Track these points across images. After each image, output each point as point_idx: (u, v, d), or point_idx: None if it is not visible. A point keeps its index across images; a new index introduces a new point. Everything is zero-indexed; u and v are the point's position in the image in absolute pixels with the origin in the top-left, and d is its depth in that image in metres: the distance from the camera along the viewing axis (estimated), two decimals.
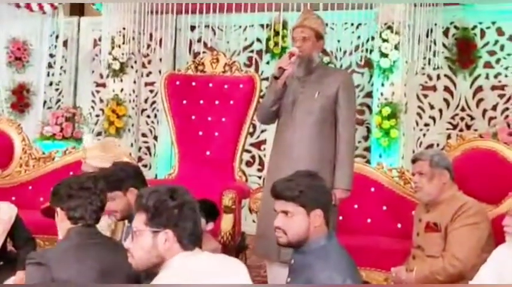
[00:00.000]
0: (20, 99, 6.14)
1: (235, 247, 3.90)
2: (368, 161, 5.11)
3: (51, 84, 6.52)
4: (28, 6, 5.96)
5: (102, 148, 3.40)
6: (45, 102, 6.44)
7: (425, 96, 5.48)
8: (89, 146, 3.44)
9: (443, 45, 5.29)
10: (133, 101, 5.89)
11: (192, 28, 5.73)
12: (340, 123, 3.16)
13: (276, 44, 5.67)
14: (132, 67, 5.84)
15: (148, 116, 6.23)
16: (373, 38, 5.17)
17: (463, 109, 5.40)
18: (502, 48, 5.29)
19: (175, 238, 1.86)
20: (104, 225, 3.12)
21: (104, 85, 6.21)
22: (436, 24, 5.07)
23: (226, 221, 3.80)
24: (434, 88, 5.46)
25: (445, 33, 5.32)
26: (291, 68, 3.11)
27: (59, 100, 6.58)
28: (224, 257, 2.01)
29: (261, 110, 3.37)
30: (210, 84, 4.69)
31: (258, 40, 5.86)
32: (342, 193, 3.11)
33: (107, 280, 2.15)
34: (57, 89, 6.57)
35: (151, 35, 5.72)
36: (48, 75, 6.45)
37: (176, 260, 1.85)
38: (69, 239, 2.24)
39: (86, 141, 3.55)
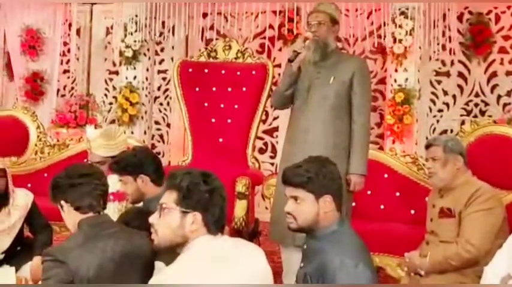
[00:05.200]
0: (34, 88, 6.18)
1: (248, 233, 3.93)
2: (381, 148, 5.11)
3: (64, 72, 6.55)
4: None
5: (104, 137, 3.43)
6: (58, 90, 6.47)
7: (439, 82, 5.45)
8: (92, 137, 3.46)
9: (458, 30, 5.23)
10: (146, 88, 5.91)
11: (204, 15, 5.72)
12: (355, 109, 3.17)
13: (289, 30, 5.65)
14: (144, 55, 5.85)
15: (161, 104, 6.25)
16: (386, 24, 5.13)
17: (477, 95, 5.36)
18: None
19: (203, 221, 1.89)
20: (113, 211, 3.15)
21: (116, 73, 6.24)
22: (450, 10, 5.02)
23: (240, 208, 3.82)
24: (448, 74, 5.43)
25: (459, 18, 5.27)
26: (305, 51, 3.13)
27: (72, 88, 6.61)
28: (243, 242, 2.03)
29: (276, 95, 3.38)
30: (223, 71, 4.69)
31: (271, 27, 5.84)
32: (357, 178, 3.12)
33: (125, 269, 2.14)
34: (70, 77, 6.60)
35: (163, 23, 5.73)
36: (61, 63, 6.48)
37: (198, 243, 1.88)
38: (84, 231, 2.17)
39: (88, 132, 3.57)
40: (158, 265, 2.21)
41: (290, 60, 3.17)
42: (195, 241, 1.88)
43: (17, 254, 3.40)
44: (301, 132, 3.20)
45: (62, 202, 2.24)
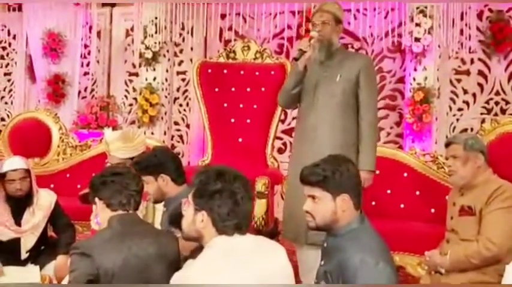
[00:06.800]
0: (56, 90, 6.27)
1: (268, 232, 3.95)
2: (401, 147, 5.09)
3: (85, 74, 6.63)
4: None
5: (122, 139, 3.48)
6: (79, 92, 6.56)
7: (459, 80, 5.40)
8: (110, 139, 3.52)
9: (477, 28, 5.19)
10: (166, 89, 5.96)
11: (223, 16, 5.75)
12: (363, 106, 3.19)
13: (307, 30, 5.65)
14: (164, 56, 5.90)
15: (181, 105, 6.29)
16: (405, 23, 5.11)
17: (497, 93, 5.31)
18: None
19: (210, 221, 1.92)
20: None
21: (136, 74, 6.30)
22: (469, 7, 4.98)
23: (259, 207, 3.85)
24: (467, 72, 5.38)
25: (479, 16, 5.22)
26: (311, 50, 3.16)
27: (93, 90, 6.69)
28: (263, 239, 2.04)
29: (282, 94, 3.40)
30: (242, 72, 4.73)
31: (289, 27, 5.85)
32: (365, 174, 3.11)
33: (151, 268, 2.19)
34: (91, 79, 6.68)
35: (182, 24, 5.77)
36: (82, 65, 6.55)
37: (215, 242, 1.91)
38: (112, 227, 2.25)
39: (106, 135, 3.64)
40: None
41: (296, 59, 3.21)
42: (213, 241, 1.91)
43: (41, 253, 3.47)
44: (310, 131, 3.22)
45: (96, 200, 2.33)
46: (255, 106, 4.61)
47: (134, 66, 6.35)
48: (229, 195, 1.92)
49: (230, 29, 5.77)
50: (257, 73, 4.67)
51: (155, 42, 5.76)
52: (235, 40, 5.33)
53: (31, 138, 5.03)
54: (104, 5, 6.59)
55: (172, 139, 6.24)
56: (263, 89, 4.60)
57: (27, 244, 3.40)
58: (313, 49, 3.19)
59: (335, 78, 3.21)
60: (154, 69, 5.87)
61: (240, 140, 4.57)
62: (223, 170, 1.97)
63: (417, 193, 3.96)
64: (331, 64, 3.25)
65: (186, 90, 6.27)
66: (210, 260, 1.86)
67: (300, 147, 3.28)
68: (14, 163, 3.36)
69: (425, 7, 4.92)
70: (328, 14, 3.23)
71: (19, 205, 3.38)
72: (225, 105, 4.70)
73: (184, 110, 6.29)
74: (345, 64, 3.23)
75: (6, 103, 6.97)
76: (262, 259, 1.92)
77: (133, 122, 6.29)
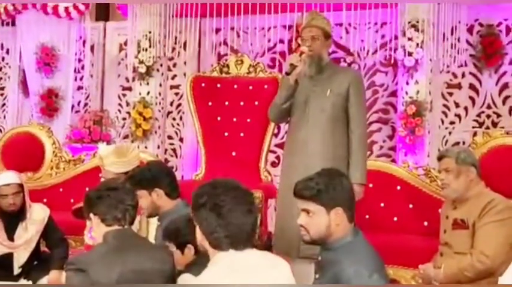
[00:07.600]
0: (49, 104, 6.25)
1: (261, 246, 3.94)
2: (393, 160, 5.11)
3: (78, 88, 6.62)
4: (55, 12, 6.09)
5: (116, 154, 3.49)
6: (73, 106, 6.54)
7: (451, 94, 5.44)
8: (104, 154, 3.53)
9: (468, 42, 5.25)
10: (160, 103, 5.96)
11: (217, 31, 5.78)
12: (352, 120, 3.23)
13: (299, 45, 5.68)
14: (158, 70, 5.91)
15: (174, 119, 6.29)
16: (397, 37, 5.16)
17: (489, 107, 5.34)
18: None
19: (204, 236, 1.92)
20: None
21: (130, 89, 6.30)
22: (460, 22, 5.03)
23: None
24: (459, 86, 5.41)
25: (470, 30, 5.27)
26: (302, 65, 3.19)
27: (86, 104, 6.68)
28: (268, 255, 2.04)
29: (273, 108, 3.42)
30: (235, 86, 4.75)
31: (281, 41, 5.88)
32: (356, 187, 3.10)
33: (147, 283, 2.18)
34: (84, 93, 6.68)
35: (176, 38, 5.79)
36: (75, 79, 6.54)
37: (218, 257, 1.90)
38: (107, 243, 2.24)
39: (100, 149, 3.64)
40: (186, 277, 2.24)
41: (287, 74, 3.24)
42: (216, 256, 1.90)
43: (33, 268, 3.45)
44: (301, 145, 3.25)
45: (91, 215, 2.31)
46: (248, 120, 4.63)
47: (128, 80, 6.35)
48: (212, 208, 1.88)
49: (224, 43, 5.80)
50: (250, 87, 4.70)
51: (149, 57, 5.77)
52: (229, 55, 5.35)
53: (24, 153, 5.02)
54: (97, 19, 6.61)
55: (165, 153, 6.23)
56: (256, 103, 4.62)
57: (20, 259, 3.39)
58: (304, 64, 3.22)
59: (325, 93, 3.24)
60: (147, 84, 5.87)
61: (234, 153, 4.58)
62: (217, 183, 1.94)
63: (410, 206, 3.97)
64: (320, 79, 3.28)
65: (179, 104, 6.27)
66: (210, 276, 1.85)
67: (291, 161, 3.30)
68: (7, 178, 3.36)
69: (417, 21, 4.96)
70: (317, 29, 3.27)
71: (12, 219, 3.38)
72: (219, 119, 4.71)
73: (178, 124, 6.29)
74: (334, 79, 3.27)
75: None
76: (265, 274, 1.91)
77: (126, 136, 6.28)
